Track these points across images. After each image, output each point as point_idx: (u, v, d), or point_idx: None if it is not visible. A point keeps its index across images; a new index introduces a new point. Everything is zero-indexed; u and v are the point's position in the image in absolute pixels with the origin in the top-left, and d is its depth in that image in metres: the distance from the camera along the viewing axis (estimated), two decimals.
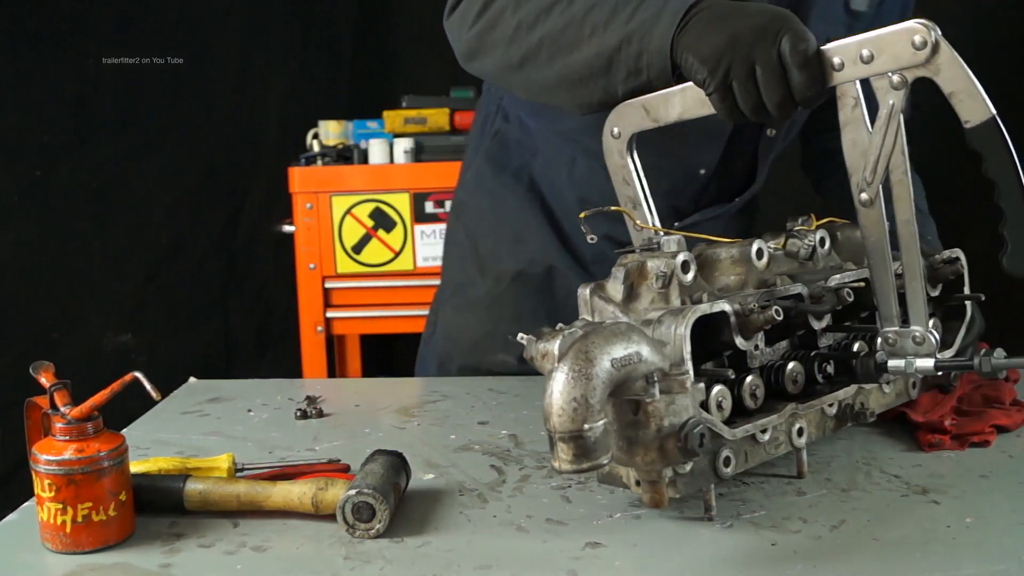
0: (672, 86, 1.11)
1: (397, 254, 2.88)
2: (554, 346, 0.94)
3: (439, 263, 2.98)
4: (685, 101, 1.11)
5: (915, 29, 0.93)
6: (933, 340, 1.02)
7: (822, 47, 0.98)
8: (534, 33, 1.19)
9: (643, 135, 1.16)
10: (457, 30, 1.29)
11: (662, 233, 1.05)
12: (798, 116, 1.43)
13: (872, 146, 0.98)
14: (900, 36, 0.94)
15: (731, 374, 0.99)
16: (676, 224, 1.49)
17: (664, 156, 1.41)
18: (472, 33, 1.26)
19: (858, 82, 0.98)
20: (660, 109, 1.13)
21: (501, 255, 1.58)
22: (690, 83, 1.07)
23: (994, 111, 0.92)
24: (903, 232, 1.00)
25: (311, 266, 2.89)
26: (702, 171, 1.46)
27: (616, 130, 1.18)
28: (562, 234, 1.55)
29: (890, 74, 0.95)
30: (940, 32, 0.93)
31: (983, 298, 1.25)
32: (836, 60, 0.98)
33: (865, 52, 0.96)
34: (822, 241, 1.15)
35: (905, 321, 1.03)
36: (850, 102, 0.99)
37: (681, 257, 1.00)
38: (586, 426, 0.85)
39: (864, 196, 1.00)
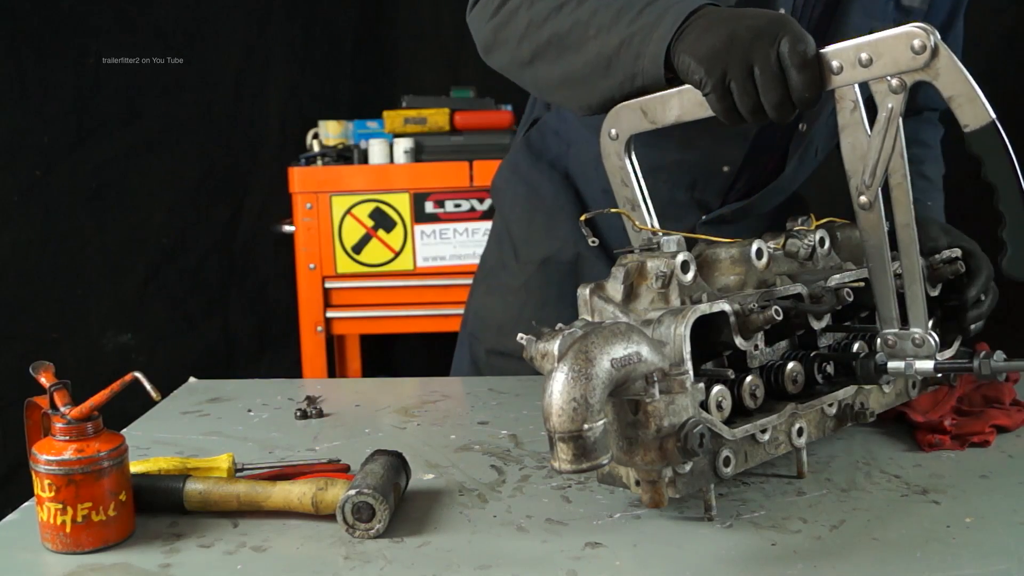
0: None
1: (397, 254, 2.88)
2: (554, 346, 0.94)
3: (439, 263, 2.98)
4: (683, 103, 1.10)
5: (914, 33, 0.92)
6: (933, 342, 1.02)
7: (821, 50, 0.98)
8: (543, 31, 1.20)
9: (665, 128, 1.14)
10: (477, 23, 1.31)
11: (661, 234, 1.05)
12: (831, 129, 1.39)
13: (871, 149, 0.98)
14: (899, 40, 0.93)
15: (731, 374, 0.99)
16: (703, 218, 1.48)
17: (686, 150, 1.41)
18: (488, 27, 1.28)
19: (857, 85, 0.98)
20: (658, 111, 1.12)
21: (532, 241, 1.58)
22: (688, 85, 1.07)
23: (993, 115, 0.92)
24: (902, 235, 1.00)
25: (311, 266, 2.89)
26: (725, 168, 1.44)
27: (614, 131, 1.17)
28: (592, 223, 1.55)
29: (889, 78, 0.95)
30: (939, 36, 0.92)
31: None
32: (835, 63, 0.97)
33: (864, 56, 0.95)
34: (822, 241, 1.15)
35: (905, 323, 1.03)
36: (849, 105, 0.99)
37: (681, 257, 1.00)
38: (586, 426, 0.85)
39: (863, 199, 1.00)
